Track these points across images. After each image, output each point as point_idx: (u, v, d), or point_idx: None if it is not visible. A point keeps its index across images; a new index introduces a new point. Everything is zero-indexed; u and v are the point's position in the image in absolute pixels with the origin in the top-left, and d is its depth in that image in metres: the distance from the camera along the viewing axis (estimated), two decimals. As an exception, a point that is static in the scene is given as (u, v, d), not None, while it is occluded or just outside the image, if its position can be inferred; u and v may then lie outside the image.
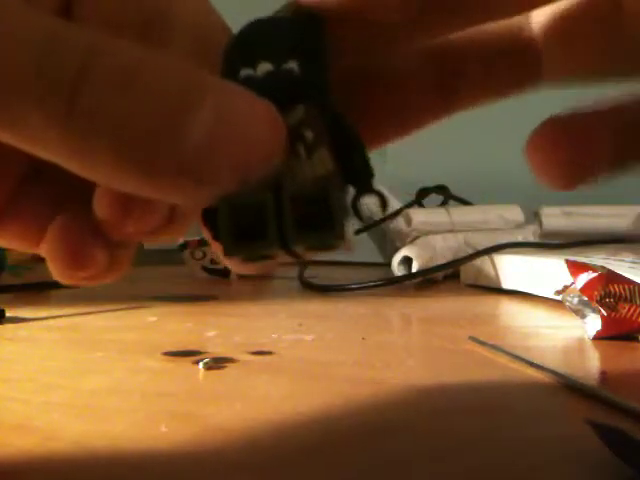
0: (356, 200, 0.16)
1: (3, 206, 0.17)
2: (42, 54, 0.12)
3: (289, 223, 0.14)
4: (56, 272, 0.17)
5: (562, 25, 0.16)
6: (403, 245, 0.69)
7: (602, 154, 0.16)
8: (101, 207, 0.16)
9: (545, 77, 0.17)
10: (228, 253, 0.15)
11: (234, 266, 0.16)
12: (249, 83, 0.15)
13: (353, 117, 0.16)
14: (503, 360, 0.31)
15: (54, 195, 0.18)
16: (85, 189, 0.16)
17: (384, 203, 0.16)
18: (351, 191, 0.16)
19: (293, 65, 0.15)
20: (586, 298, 0.35)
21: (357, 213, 0.16)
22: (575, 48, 0.17)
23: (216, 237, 0.15)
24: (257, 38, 0.16)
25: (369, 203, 0.16)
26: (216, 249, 0.15)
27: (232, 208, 0.14)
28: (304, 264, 0.68)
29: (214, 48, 0.16)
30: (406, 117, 0.18)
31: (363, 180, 0.16)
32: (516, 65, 0.17)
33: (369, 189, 0.16)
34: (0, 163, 0.17)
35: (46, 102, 0.12)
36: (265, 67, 0.15)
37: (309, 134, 0.15)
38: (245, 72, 0.15)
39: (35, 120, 0.13)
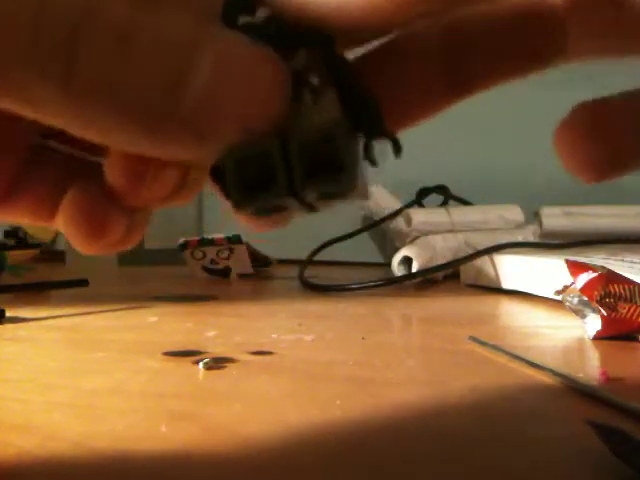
0: (368, 144, 0.15)
1: (13, 181, 0.17)
2: (37, 16, 0.12)
3: (298, 170, 0.14)
4: (76, 242, 0.17)
5: None
6: (403, 245, 0.69)
7: (634, 144, 0.15)
8: (113, 176, 0.16)
9: (570, 51, 0.16)
10: (238, 206, 0.15)
11: (247, 222, 0.16)
12: (249, 30, 0.14)
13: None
14: (503, 360, 0.31)
15: (65, 167, 0.18)
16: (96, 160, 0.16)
17: (398, 148, 0.15)
18: (362, 137, 0.15)
19: None
20: (586, 298, 0.35)
21: (370, 158, 0.15)
22: (601, 16, 0.15)
23: (226, 194, 0.15)
24: None
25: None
26: (227, 206, 0.15)
27: (238, 159, 0.14)
28: (304, 264, 0.68)
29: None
30: (411, 103, 0.17)
31: (373, 123, 0.15)
32: (537, 38, 0.16)
33: (380, 132, 0.15)
34: (8, 136, 0.17)
35: (45, 68, 0.12)
36: (265, 12, 0.15)
37: (314, 79, 0.15)
38: (244, 18, 0.15)
39: (35, 86, 0.13)
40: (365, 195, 0.15)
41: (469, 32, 0.16)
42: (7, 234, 0.96)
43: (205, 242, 0.73)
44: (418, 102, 0.17)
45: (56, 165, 0.18)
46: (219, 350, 0.34)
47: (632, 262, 0.46)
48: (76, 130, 0.13)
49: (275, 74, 0.14)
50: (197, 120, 0.13)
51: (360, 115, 0.15)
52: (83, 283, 0.55)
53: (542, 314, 0.47)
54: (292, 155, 0.14)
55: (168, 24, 0.13)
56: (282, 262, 0.81)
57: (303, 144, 0.14)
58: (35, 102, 0.13)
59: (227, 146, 0.14)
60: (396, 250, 0.67)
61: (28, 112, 0.13)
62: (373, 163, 0.15)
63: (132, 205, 0.17)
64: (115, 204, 0.16)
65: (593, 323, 0.35)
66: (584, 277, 0.35)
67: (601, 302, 0.34)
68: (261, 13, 0.15)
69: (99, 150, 0.15)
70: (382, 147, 0.17)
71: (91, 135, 0.14)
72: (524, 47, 0.16)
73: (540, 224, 0.72)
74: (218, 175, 0.15)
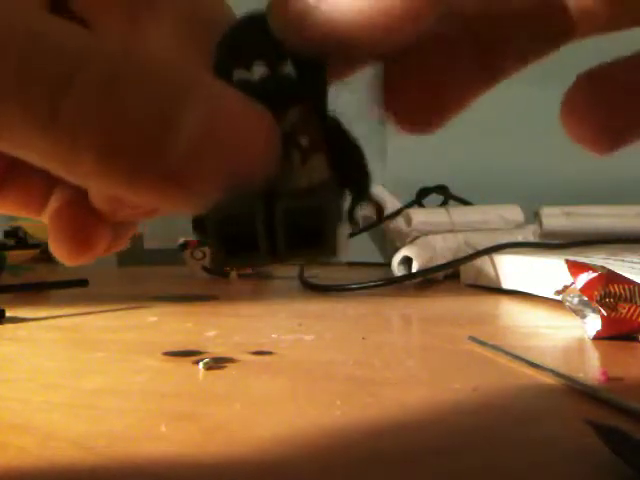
0: (353, 208, 0.15)
1: (3, 171, 0.17)
2: (24, 55, 0.12)
3: (281, 235, 0.14)
4: (62, 257, 0.17)
5: None
6: (403, 245, 0.69)
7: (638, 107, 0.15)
8: (96, 200, 0.16)
9: (584, 26, 0.15)
10: (219, 265, 0.14)
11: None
12: (243, 86, 0.14)
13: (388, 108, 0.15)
14: (503, 360, 0.31)
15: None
16: None
17: (380, 213, 0.15)
18: (348, 197, 0.15)
19: (289, 68, 0.15)
20: (586, 298, 0.35)
21: (353, 221, 0.15)
22: None
23: (206, 243, 0.15)
24: (251, 36, 0.15)
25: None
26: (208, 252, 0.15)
27: (222, 218, 0.14)
28: (304, 264, 0.68)
29: (211, 27, 0.15)
30: (447, 96, 0.16)
31: (361, 187, 0.15)
32: (555, 14, 0.15)
33: (366, 197, 0.15)
34: None
35: (29, 107, 0.12)
36: (260, 68, 0.15)
37: (304, 140, 0.14)
38: (239, 73, 0.15)
39: (17, 123, 0.12)
40: (344, 253, 0.15)
41: (492, 16, 0.16)
42: (7, 234, 0.96)
43: (205, 242, 0.73)
44: (454, 93, 0.16)
45: None
46: (219, 350, 0.34)
47: (632, 262, 0.46)
48: (55, 170, 0.13)
49: (267, 133, 0.13)
50: (182, 172, 0.13)
51: (348, 176, 0.15)
52: (83, 283, 0.55)
53: (542, 314, 0.47)
54: (277, 220, 0.14)
55: (160, 70, 0.13)
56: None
57: (289, 208, 0.14)
58: (16, 139, 0.13)
59: (211, 202, 0.13)
60: (396, 250, 0.67)
61: (10, 151, 0.13)
62: (356, 225, 0.15)
63: (116, 221, 0.17)
64: (100, 219, 0.16)
65: (593, 323, 0.35)
66: (584, 277, 0.35)
67: (601, 302, 0.34)
68: (256, 69, 0.15)
69: None
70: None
71: (71, 178, 0.13)
72: (544, 23, 0.15)
73: (540, 224, 0.72)
74: (198, 223, 0.15)
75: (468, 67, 0.16)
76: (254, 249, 0.14)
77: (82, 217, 0.16)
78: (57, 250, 0.17)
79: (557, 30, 0.16)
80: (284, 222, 0.14)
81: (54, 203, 0.17)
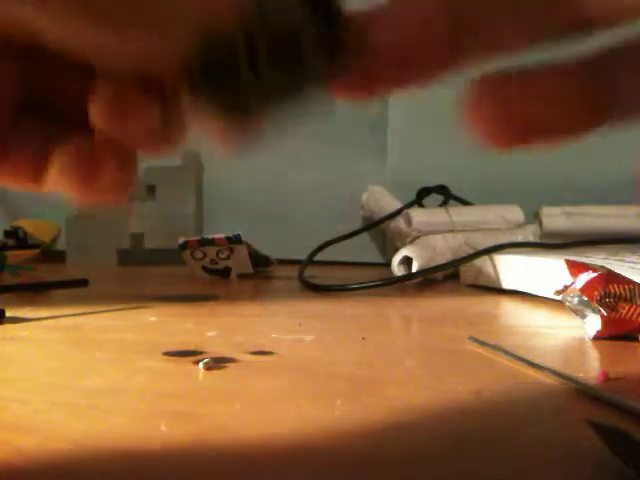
0: (329, 27, 0.15)
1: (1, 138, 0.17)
2: None
3: (262, 55, 0.15)
4: (71, 189, 0.17)
5: None
6: (403, 245, 0.69)
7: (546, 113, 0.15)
8: (95, 114, 0.16)
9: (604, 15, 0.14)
10: (198, 88, 0.15)
11: (216, 132, 0.16)
12: None
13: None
14: (503, 360, 0.31)
15: (51, 127, 0.18)
16: (81, 117, 0.17)
17: (340, 20, 0.15)
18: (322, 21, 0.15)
19: None
20: (586, 298, 0.35)
21: (331, 40, 0.15)
22: None
23: (193, 86, 0.15)
24: None
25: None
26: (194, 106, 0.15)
27: (205, 49, 0.15)
28: (304, 264, 0.68)
29: None
30: (407, 70, 0.16)
31: (331, 7, 0.15)
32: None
33: (338, 16, 0.15)
34: None
35: None
36: None
37: None
38: None
39: None
40: (328, 106, 0.15)
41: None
42: (7, 234, 0.96)
43: (205, 242, 0.73)
44: (420, 64, 0.16)
45: (42, 124, 0.18)
46: (219, 350, 0.34)
47: (632, 262, 0.46)
48: (48, 26, 0.14)
49: None
50: (162, 15, 0.13)
51: (322, 15, 0.15)
52: (83, 283, 0.55)
53: (542, 314, 0.47)
54: (258, 46, 0.15)
55: None
56: (282, 262, 0.81)
57: (266, 34, 0.14)
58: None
59: (196, 43, 0.14)
60: (396, 250, 0.67)
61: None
62: (332, 58, 0.15)
63: (119, 145, 0.17)
64: (103, 149, 0.17)
65: (593, 323, 0.35)
66: (584, 277, 0.35)
67: (601, 302, 0.34)
68: None
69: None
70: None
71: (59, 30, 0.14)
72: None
73: (540, 224, 0.72)
74: (190, 70, 0.15)
75: (440, 45, 0.15)
76: (238, 78, 0.15)
77: (86, 152, 0.17)
78: (67, 185, 0.17)
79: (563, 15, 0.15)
80: (264, 46, 0.14)
81: (58, 153, 0.17)
